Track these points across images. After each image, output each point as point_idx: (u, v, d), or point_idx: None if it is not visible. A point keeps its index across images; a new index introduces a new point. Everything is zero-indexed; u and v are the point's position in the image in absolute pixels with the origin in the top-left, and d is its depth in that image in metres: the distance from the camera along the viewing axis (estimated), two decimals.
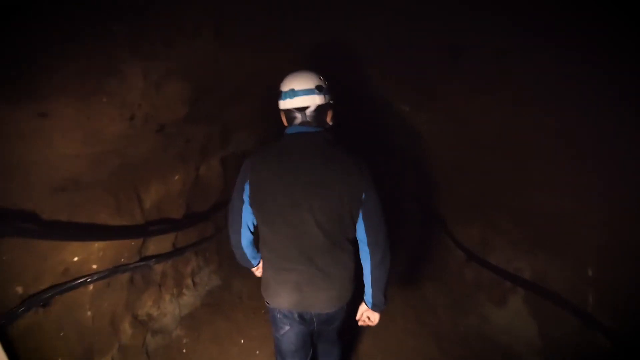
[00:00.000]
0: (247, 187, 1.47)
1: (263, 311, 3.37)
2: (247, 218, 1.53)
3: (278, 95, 1.49)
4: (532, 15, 1.59)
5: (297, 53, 2.52)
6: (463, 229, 3.37)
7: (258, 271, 1.78)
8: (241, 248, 1.63)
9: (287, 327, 1.64)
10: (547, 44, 1.65)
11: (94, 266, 2.13)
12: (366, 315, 1.63)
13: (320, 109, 1.45)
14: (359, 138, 5.01)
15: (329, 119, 1.51)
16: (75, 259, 2.03)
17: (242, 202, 1.49)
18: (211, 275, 3.73)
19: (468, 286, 3.37)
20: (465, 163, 2.95)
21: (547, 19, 1.57)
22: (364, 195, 1.39)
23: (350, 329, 2.19)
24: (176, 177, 2.69)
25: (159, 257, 2.62)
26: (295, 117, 1.46)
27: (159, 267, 2.81)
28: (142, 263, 2.41)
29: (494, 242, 3.01)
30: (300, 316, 1.58)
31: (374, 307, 1.58)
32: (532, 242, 2.67)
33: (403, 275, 4.09)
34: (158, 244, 2.71)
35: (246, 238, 1.60)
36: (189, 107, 2.06)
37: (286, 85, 1.45)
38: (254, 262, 1.73)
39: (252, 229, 1.59)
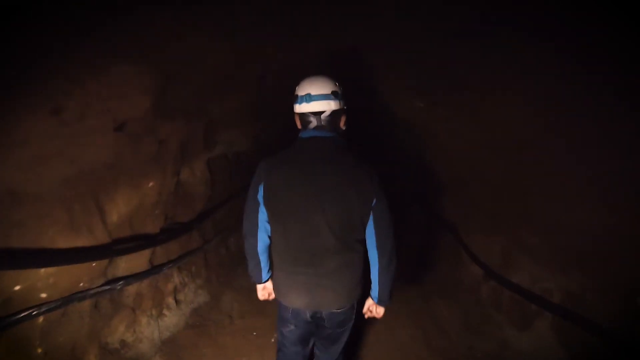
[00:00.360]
0: (261, 189, 1.48)
1: (255, 334, 2.99)
2: (263, 221, 1.54)
3: (294, 99, 1.51)
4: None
5: (293, 38, 2.14)
6: (481, 241, 2.99)
7: (263, 291, 1.76)
8: (257, 254, 1.62)
9: (292, 327, 1.67)
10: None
11: (43, 295, 1.76)
12: (372, 308, 1.68)
13: (334, 114, 1.48)
14: (365, 137, 4.67)
15: (342, 124, 1.55)
16: (17, 287, 1.66)
17: (258, 203, 1.51)
18: (197, 291, 3.36)
19: (485, 306, 3.00)
20: (486, 167, 2.57)
21: None
22: (374, 201, 1.43)
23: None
24: (150, 185, 2.32)
25: (131, 278, 2.25)
26: (310, 122, 1.48)
27: (132, 288, 2.43)
28: (106, 287, 2.04)
29: (518, 258, 2.63)
30: (312, 316, 1.61)
31: (380, 302, 1.64)
32: (564, 261, 2.29)
33: (410, 289, 3.71)
34: (131, 262, 2.34)
35: (262, 242, 1.59)
36: (153, 98, 1.68)
37: (303, 90, 1.48)
38: (264, 275, 1.70)
39: (268, 234, 1.58)
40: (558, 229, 2.25)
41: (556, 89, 1.75)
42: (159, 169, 2.34)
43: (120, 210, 2.12)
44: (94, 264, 1.96)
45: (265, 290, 1.76)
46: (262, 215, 1.52)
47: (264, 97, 3.04)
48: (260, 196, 1.49)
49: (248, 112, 3.15)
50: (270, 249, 1.64)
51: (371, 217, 1.45)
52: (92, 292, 1.95)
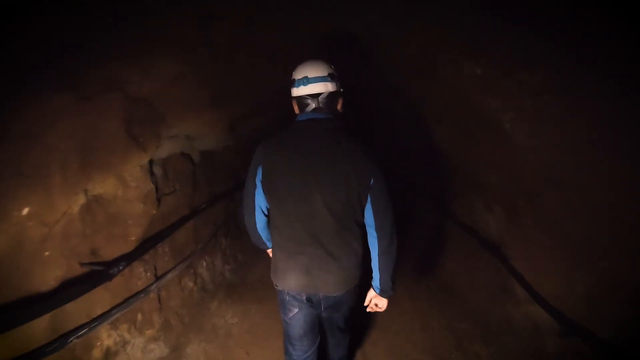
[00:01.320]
0: (259, 172, 1.47)
1: None
2: (260, 201, 1.53)
3: (291, 83, 1.50)
4: None
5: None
6: (550, 275, 2.03)
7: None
8: (256, 230, 1.62)
9: (295, 310, 1.64)
10: None
11: None
12: (374, 301, 1.63)
13: (331, 96, 1.47)
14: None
15: (339, 107, 1.54)
16: None
17: (255, 186, 1.51)
18: (148, 347, 2.42)
19: None
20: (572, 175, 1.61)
21: None
22: (372, 181, 1.40)
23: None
24: (24, 212, 1.38)
25: None
26: (307, 104, 1.47)
27: None
28: None
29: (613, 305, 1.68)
30: (309, 299, 1.59)
31: (382, 293, 1.58)
32: None
33: (441, 330, 2.77)
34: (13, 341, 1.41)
35: (260, 221, 1.59)
36: None
37: (299, 73, 1.47)
38: (268, 244, 1.70)
39: (265, 212, 1.57)
40: None
41: None
42: (35, 186, 1.39)
43: None
44: None
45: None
46: (260, 197, 1.52)
47: (225, 58, 2.08)
48: (258, 179, 1.48)
49: (203, 85, 2.18)
50: (269, 227, 1.61)
51: (369, 198, 1.42)
52: None
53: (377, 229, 1.45)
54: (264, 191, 1.48)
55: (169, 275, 2.56)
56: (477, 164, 2.51)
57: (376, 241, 1.47)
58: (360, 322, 2.64)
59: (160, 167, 2.36)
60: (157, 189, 2.26)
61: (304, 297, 1.57)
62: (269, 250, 1.73)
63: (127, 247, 2.07)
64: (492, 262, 2.62)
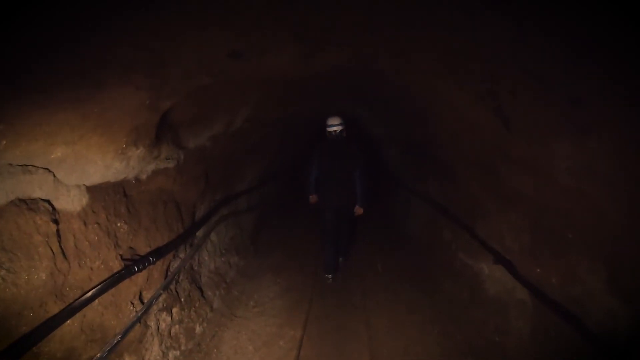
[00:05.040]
0: (316, 159, 3.74)
1: None
2: (314, 172, 3.79)
3: (324, 126, 3.74)
4: None
5: None
6: None
7: (312, 197, 3.88)
8: (311, 184, 3.83)
9: (330, 214, 3.79)
10: None
11: None
12: (357, 210, 3.76)
13: (342, 130, 3.70)
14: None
15: (344, 134, 3.72)
16: None
17: (314, 164, 3.76)
18: None
19: None
20: None
21: None
22: (359, 162, 3.65)
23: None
24: None
25: None
26: (332, 133, 3.68)
27: None
28: None
29: None
30: (337, 209, 3.78)
31: (361, 205, 3.74)
32: None
33: None
34: None
35: (314, 179, 3.82)
36: None
37: (329, 122, 3.70)
38: (312, 191, 3.85)
39: (315, 176, 3.81)
40: None
41: None
42: None
43: None
44: None
45: (313, 197, 3.86)
46: (315, 171, 3.76)
47: None
48: (315, 162, 3.74)
49: None
50: (317, 182, 3.80)
51: (358, 170, 3.64)
52: None
53: (359, 182, 3.67)
54: (317, 167, 3.74)
55: None
56: None
57: (360, 186, 3.68)
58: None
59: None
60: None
61: (334, 208, 3.78)
62: (313, 196, 3.86)
63: None
64: None
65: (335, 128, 3.59)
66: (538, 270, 2.12)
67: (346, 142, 3.67)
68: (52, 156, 1.36)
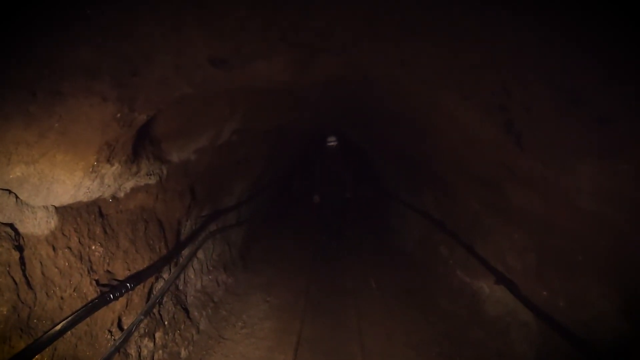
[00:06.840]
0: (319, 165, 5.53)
1: None
2: (317, 174, 5.56)
3: (326, 142, 5.33)
4: None
5: None
6: None
7: (316, 198, 5.32)
8: (314, 182, 5.56)
9: (326, 207, 5.69)
10: None
11: None
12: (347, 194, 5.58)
13: (337, 145, 5.38)
14: None
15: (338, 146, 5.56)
16: None
17: (316, 169, 5.53)
18: None
19: None
20: None
21: None
22: (348, 167, 5.43)
23: None
24: None
25: None
26: (330, 146, 5.35)
27: None
28: None
29: None
30: (332, 200, 5.47)
31: (349, 193, 5.51)
32: None
33: None
34: None
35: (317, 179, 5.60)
36: None
37: (329, 139, 5.33)
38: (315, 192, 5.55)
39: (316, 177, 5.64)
40: None
41: None
42: None
43: None
44: None
45: (317, 198, 5.34)
46: (317, 173, 5.43)
47: None
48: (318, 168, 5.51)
49: None
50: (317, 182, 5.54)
51: (347, 173, 5.36)
52: None
53: (347, 180, 5.31)
54: (319, 170, 5.43)
55: None
56: None
57: (347, 182, 5.32)
58: None
59: None
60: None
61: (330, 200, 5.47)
62: (316, 197, 5.32)
63: None
64: None
65: (332, 143, 5.31)
66: (544, 292, 2.00)
67: (339, 153, 5.36)
68: (11, 176, 1.21)
